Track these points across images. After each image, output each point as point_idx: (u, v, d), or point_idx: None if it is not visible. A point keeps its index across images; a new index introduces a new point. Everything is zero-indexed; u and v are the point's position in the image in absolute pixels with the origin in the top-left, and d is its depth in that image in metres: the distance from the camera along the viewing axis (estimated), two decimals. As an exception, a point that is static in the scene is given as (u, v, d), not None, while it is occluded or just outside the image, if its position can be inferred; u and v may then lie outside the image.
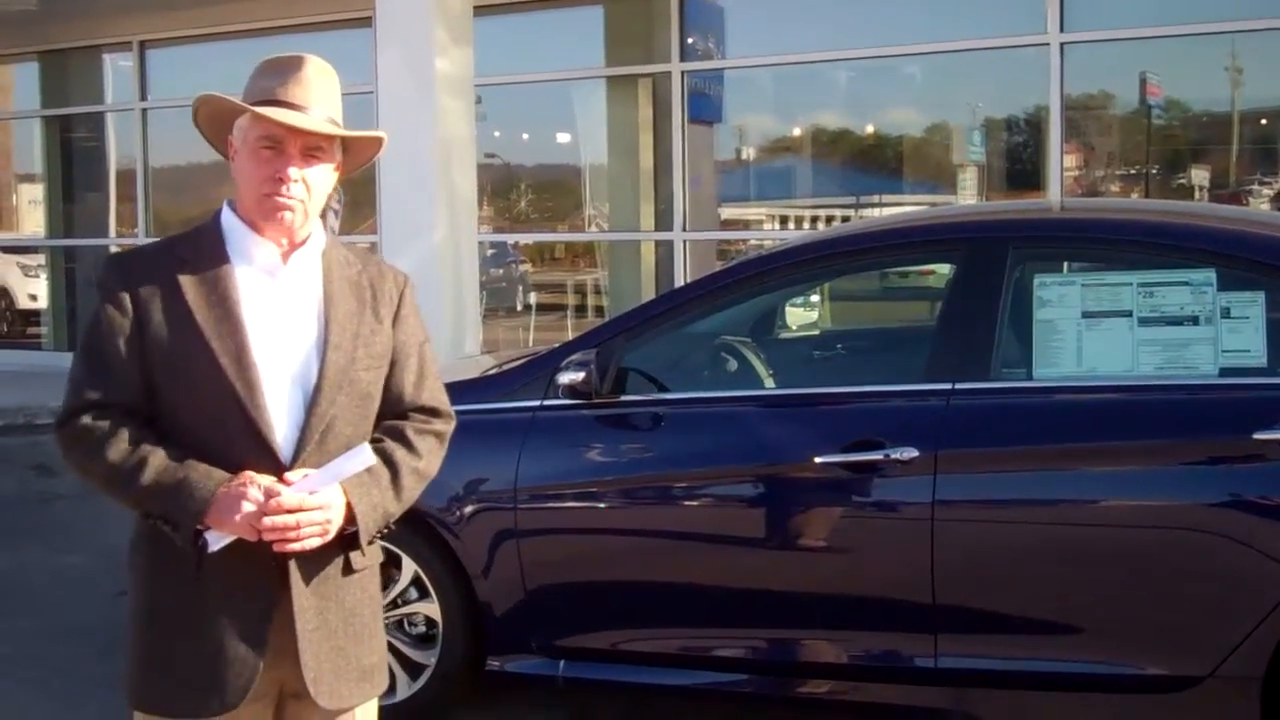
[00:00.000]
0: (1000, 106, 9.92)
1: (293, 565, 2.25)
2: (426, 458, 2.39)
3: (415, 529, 4.05)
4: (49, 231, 13.94)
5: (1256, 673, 3.45)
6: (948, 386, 3.73)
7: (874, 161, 11.08)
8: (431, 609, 4.16)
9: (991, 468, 3.71)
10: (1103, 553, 3.60)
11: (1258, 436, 3.44)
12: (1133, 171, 10.47)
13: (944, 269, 4.37)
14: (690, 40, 9.95)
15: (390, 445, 2.35)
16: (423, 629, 4.21)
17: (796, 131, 11.13)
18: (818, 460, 3.76)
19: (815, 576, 3.86)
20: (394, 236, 7.59)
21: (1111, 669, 3.60)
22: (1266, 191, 9.67)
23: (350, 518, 2.26)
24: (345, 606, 2.33)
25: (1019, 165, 10.29)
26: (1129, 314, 3.68)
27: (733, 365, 4.44)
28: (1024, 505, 3.69)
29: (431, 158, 7.54)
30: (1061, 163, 8.87)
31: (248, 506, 2.16)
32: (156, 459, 2.20)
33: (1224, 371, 3.57)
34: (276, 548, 2.18)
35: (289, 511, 2.17)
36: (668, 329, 4.18)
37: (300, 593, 2.26)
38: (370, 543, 2.32)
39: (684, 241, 10.10)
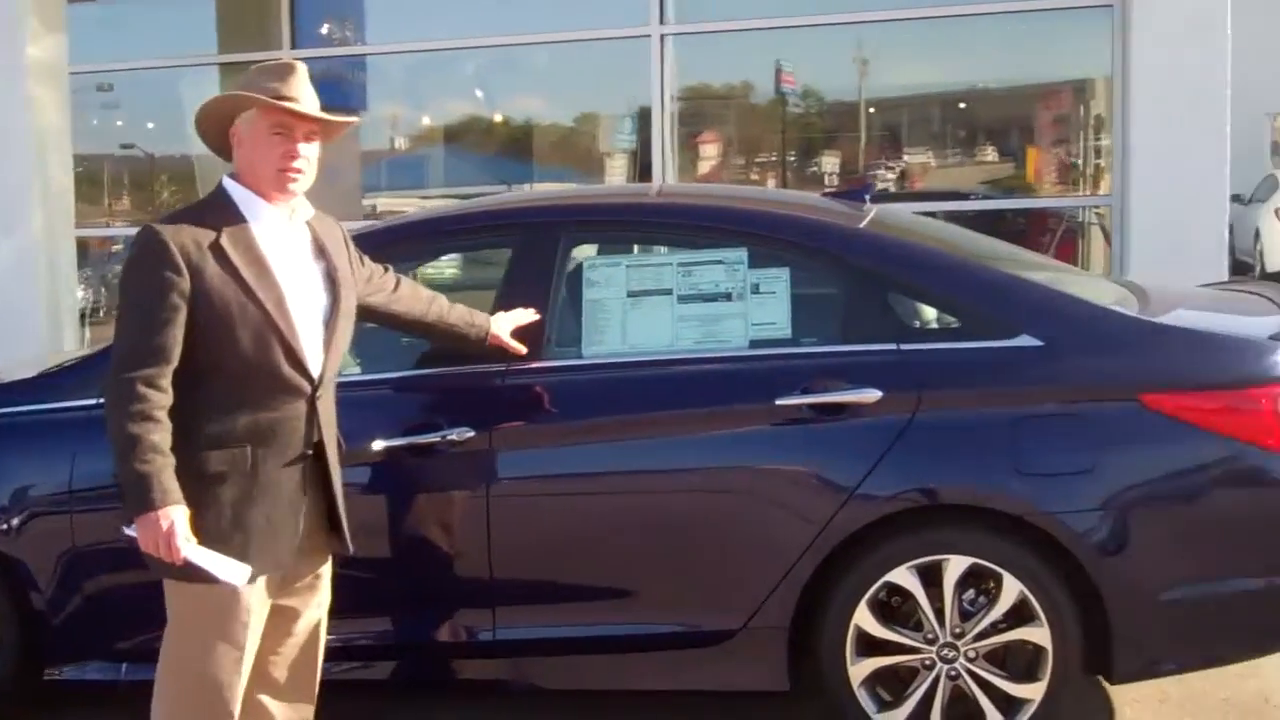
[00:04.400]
0: (623, 97, 10.11)
1: (328, 452, 3.05)
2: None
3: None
4: None
5: (783, 623, 3.71)
6: (502, 366, 3.84)
7: (524, 149, 11.18)
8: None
9: (543, 444, 3.84)
10: (650, 519, 3.79)
11: (780, 403, 3.69)
12: (772, 159, 10.96)
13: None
14: (307, 27, 9.76)
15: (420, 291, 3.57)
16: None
17: (449, 120, 11.13)
18: (377, 446, 3.80)
19: (381, 560, 3.89)
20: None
21: (659, 628, 3.80)
22: (890, 175, 10.31)
23: None
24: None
25: (650, 154, 10.53)
26: (670, 292, 3.89)
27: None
28: (576, 478, 3.84)
29: (24, 148, 7.20)
30: (675, 150, 9.14)
31: (152, 541, 2.78)
32: (152, 471, 2.75)
33: (753, 343, 3.82)
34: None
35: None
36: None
37: (334, 470, 3.08)
38: None
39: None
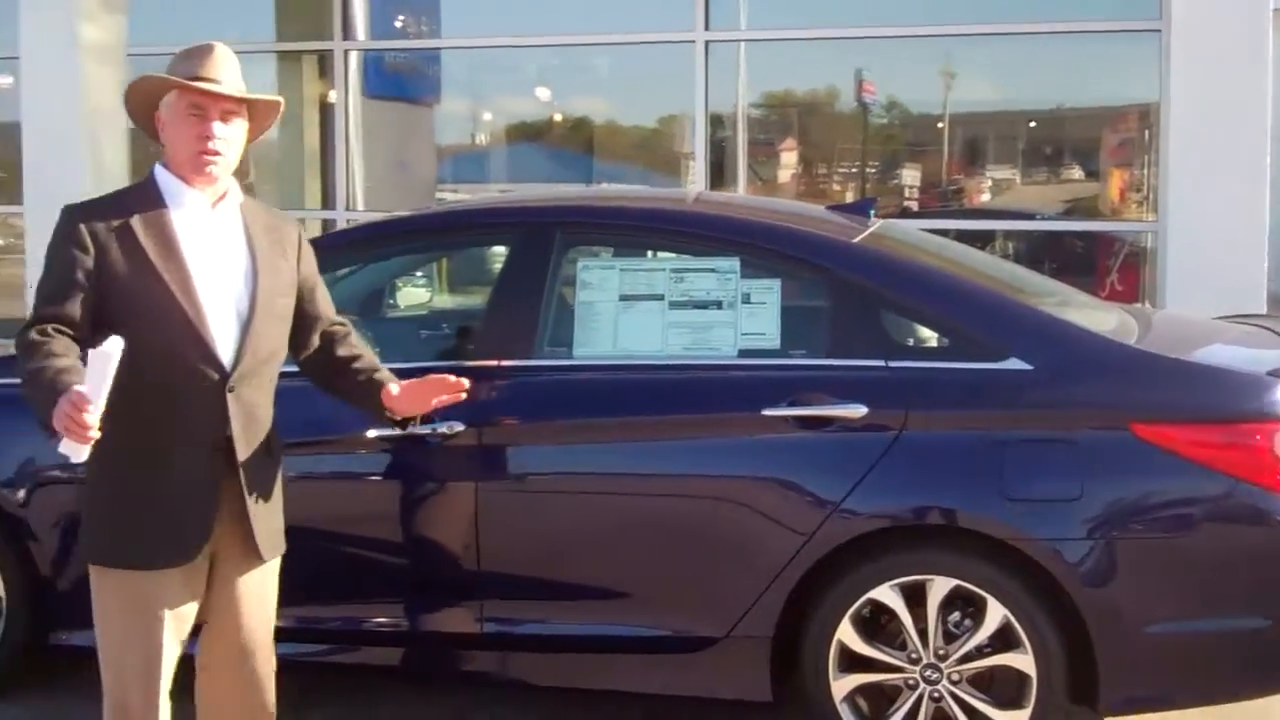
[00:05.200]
0: (682, 103, 10.09)
1: (239, 449, 2.88)
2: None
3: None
4: None
5: (767, 632, 3.71)
6: (494, 364, 3.88)
7: (591, 148, 11.22)
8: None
9: (532, 441, 3.88)
10: (637, 522, 3.81)
11: (766, 413, 3.69)
12: (853, 170, 10.88)
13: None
14: (374, 18, 9.86)
15: (355, 340, 3.21)
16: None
17: (521, 117, 11.20)
18: (371, 434, 3.86)
19: (370, 548, 3.97)
20: (39, 211, 7.28)
21: (643, 631, 3.82)
22: (973, 189, 10.18)
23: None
24: (268, 482, 2.99)
25: (721, 159, 10.52)
26: (661, 298, 3.90)
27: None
28: (564, 477, 3.87)
29: (78, 129, 7.33)
30: (745, 156, 9.14)
31: (65, 424, 2.54)
32: (49, 372, 2.63)
33: (742, 353, 3.82)
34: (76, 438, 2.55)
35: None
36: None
37: (245, 469, 2.90)
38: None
39: (347, 221, 9.97)
